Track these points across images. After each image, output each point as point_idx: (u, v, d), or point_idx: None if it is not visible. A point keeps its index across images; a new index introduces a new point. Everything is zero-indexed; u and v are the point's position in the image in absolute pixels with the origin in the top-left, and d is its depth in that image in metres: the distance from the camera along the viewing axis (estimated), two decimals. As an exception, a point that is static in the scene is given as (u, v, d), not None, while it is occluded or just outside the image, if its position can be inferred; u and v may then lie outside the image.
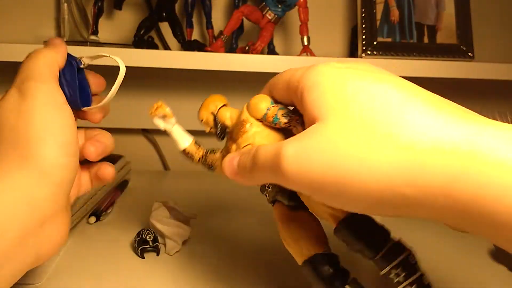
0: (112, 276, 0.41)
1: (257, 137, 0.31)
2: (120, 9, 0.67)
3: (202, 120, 0.34)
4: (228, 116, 0.33)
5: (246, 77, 0.65)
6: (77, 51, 0.58)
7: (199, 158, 0.35)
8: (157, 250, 0.45)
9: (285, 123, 0.30)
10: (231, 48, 0.70)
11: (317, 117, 0.24)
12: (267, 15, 0.63)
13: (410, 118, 0.21)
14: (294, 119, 0.30)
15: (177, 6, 0.68)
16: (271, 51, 0.70)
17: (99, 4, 0.64)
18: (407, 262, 0.27)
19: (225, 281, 0.41)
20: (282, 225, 0.32)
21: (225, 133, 0.34)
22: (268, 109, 0.31)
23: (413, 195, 0.20)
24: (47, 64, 0.31)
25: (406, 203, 0.21)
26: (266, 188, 0.33)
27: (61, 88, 0.31)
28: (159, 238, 0.47)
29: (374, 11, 0.67)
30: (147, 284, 0.40)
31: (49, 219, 0.28)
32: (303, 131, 0.25)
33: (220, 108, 0.33)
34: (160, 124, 0.34)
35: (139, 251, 0.44)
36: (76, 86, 0.32)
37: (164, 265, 0.43)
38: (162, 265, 0.43)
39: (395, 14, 0.68)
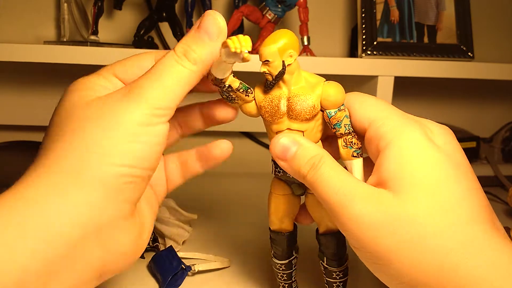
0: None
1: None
2: (120, 9, 0.67)
3: (267, 61, 0.29)
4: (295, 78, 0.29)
5: (246, 77, 0.65)
6: (77, 51, 0.58)
7: (229, 86, 0.31)
8: (157, 250, 0.45)
9: (341, 134, 0.28)
10: (231, 48, 0.70)
11: (396, 186, 0.25)
12: (267, 15, 0.63)
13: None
14: (353, 137, 0.28)
15: (177, 6, 0.68)
16: (271, 51, 0.70)
17: (99, 4, 0.63)
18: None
19: (225, 281, 0.41)
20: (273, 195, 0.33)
21: (271, 87, 0.30)
22: (339, 109, 0.28)
23: None
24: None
25: None
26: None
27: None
28: (159, 238, 0.47)
29: (374, 11, 0.67)
30: (146, 284, 0.40)
31: (105, 228, 0.25)
32: (377, 193, 0.25)
33: (289, 64, 0.28)
34: (225, 55, 0.28)
35: (139, 251, 0.44)
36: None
37: (164, 265, 0.43)
38: (162, 265, 0.43)
39: (395, 14, 0.68)
